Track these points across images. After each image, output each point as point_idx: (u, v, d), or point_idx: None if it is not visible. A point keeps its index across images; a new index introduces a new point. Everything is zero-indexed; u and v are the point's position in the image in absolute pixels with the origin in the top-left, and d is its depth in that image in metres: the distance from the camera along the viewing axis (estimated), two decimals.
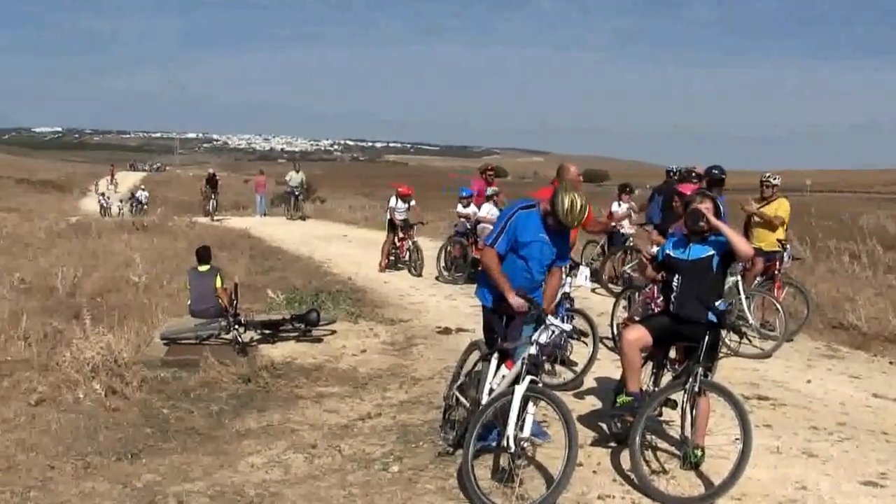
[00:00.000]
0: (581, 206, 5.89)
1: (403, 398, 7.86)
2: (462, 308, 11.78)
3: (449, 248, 15.07)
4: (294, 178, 29.13)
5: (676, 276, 5.88)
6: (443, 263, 15.04)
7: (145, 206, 40.57)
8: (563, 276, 7.31)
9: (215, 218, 29.05)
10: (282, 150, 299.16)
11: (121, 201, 45.79)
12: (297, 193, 29.16)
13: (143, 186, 47.85)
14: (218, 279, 10.56)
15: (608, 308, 10.35)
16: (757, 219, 10.48)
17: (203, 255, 11.01)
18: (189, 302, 10.72)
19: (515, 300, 5.88)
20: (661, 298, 7.39)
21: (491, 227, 13.69)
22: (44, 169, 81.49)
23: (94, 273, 15.30)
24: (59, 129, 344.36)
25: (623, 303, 9.92)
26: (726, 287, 7.88)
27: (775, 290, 10.15)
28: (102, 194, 46.36)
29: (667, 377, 6.21)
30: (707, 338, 5.65)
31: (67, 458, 6.37)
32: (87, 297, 13.10)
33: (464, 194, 14.65)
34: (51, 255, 17.81)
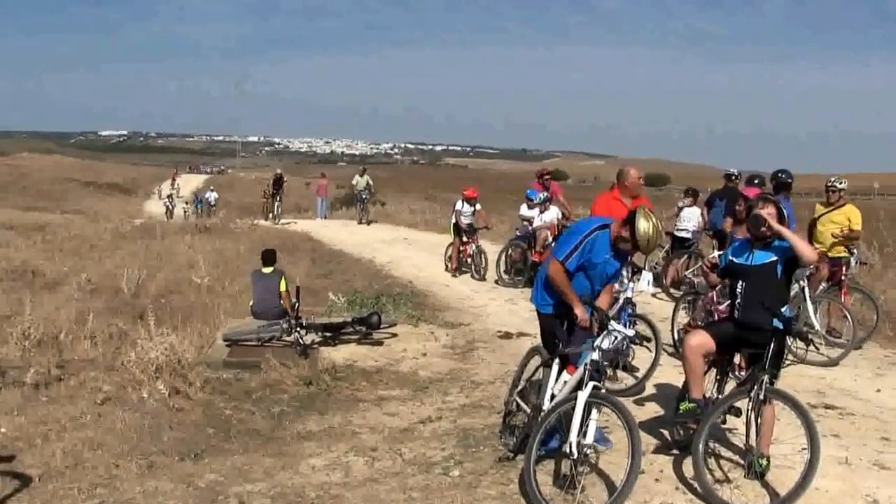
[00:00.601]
0: (659, 232, 5.88)
1: (464, 402, 7.86)
2: (522, 312, 11.74)
3: (510, 251, 15.03)
4: (360, 181, 28.86)
5: (740, 282, 5.79)
6: (503, 267, 15.01)
7: (214, 207, 40.94)
8: (626, 281, 7.25)
9: (280, 221, 29.02)
10: (342, 153, 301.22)
11: (186, 203, 46.35)
12: (363, 197, 28.83)
13: (212, 188, 47.96)
14: (282, 282, 10.65)
15: (670, 313, 10.23)
16: (825, 226, 10.19)
17: (268, 257, 11.12)
18: (252, 303, 10.82)
19: (583, 315, 5.83)
20: (724, 304, 7.29)
21: (547, 232, 13.87)
22: (109, 172, 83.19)
23: (158, 274, 15.59)
24: (125, 132, 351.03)
25: (684, 308, 9.81)
26: (791, 293, 7.73)
27: (842, 297, 9.92)
28: (170, 196, 47.00)
29: (731, 384, 6.12)
30: (772, 344, 5.55)
31: (132, 457, 6.49)
32: (151, 298, 13.35)
33: (532, 198, 14.59)
34: (116, 257, 18.17)
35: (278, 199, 30.43)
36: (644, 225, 5.76)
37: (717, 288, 7.26)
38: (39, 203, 50.50)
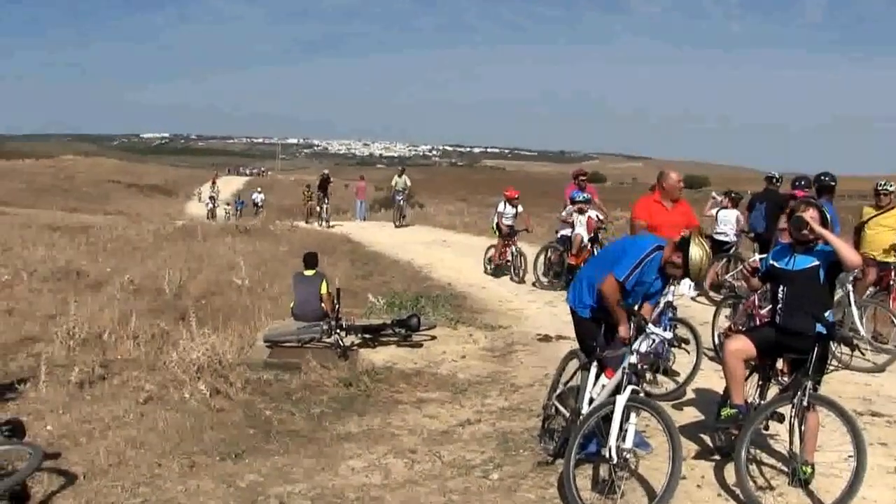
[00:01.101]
0: (710, 260, 5.87)
1: (503, 405, 7.85)
2: (561, 315, 11.65)
3: (548, 254, 15.00)
4: (398, 182, 28.58)
5: (781, 286, 5.72)
6: (541, 270, 14.98)
7: (261, 208, 41.20)
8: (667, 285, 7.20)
9: (330, 224, 28.47)
10: (380, 155, 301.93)
11: (227, 205, 46.59)
12: (399, 199, 28.40)
13: (259, 189, 47.82)
14: (324, 285, 10.71)
15: (710, 317, 10.14)
16: (874, 230, 10.03)
17: (310, 260, 11.19)
18: (292, 305, 10.89)
19: (627, 333, 5.75)
20: (765, 309, 7.21)
21: (583, 235, 13.83)
22: (151, 173, 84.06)
23: (199, 275, 15.72)
24: (167, 134, 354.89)
25: (725, 312, 9.71)
26: (836, 297, 7.62)
27: (890, 302, 9.74)
28: (212, 198, 47.29)
29: (773, 390, 6.05)
30: (816, 350, 5.48)
31: (174, 456, 6.57)
32: (192, 298, 13.48)
33: (578, 198, 14.52)
34: (158, 258, 18.34)
35: (326, 200, 29.53)
36: (697, 254, 5.72)
37: (758, 292, 7.19)
38: (83, 204, 51.15)
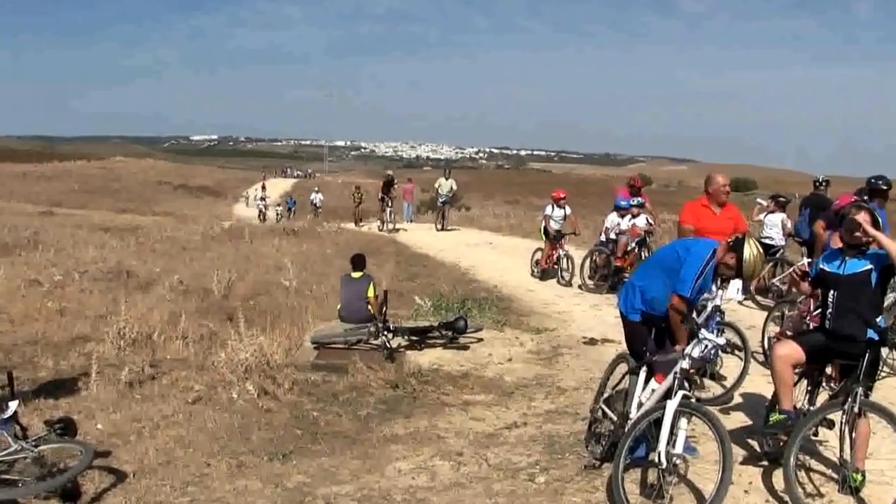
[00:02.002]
0: (763, 261, 5.86)
1: (549, 408, 7.82)
2: (607, 318, 11.62)
3: (594, 257, 14.93)
4: (444, 185, 27.35)
5: (831, 291, 5.63)
6: (587, 273, 14.92)
7: (319, 209, 40.64)
8: (715, 289, 7.12)
9: (395, 227, 27.01)
10: (427, 157, 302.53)
11: (278, 206, 46.80)
12: (444, 202, 27.19)
13: (317, 188, 47.20)
14: (370, 287, 10.74)
15: (756, 321, 10.01)
16: None
17: (357, 262, 11.22)
18: (339, 307, 10.93)
19: (684, 340, 5.70)
20: (816, 313, 7.08)
21: (628, 237, 13.77)
22: (199, 175, 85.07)
23: (247, 276, 15.85)
24: (215, 136, 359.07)
25: (775, 317, 9.58)
26: (887, 302, 7.48)
27: None
28: (262, 199, 47.52)
29: (823, 395, 5.95)
30: (867, 356, 5.39)
31: (222, 456, 6.64)
32: (240, 299, 13.58)
33: (622, 206, 14.52)
34: (206, 259, 18.53)
35: (389, 203, 27.53)
36: (751, 255, 5.69)
37: (813, 297, 7.06)
38: (132, 205, 51.92)
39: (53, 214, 36.45)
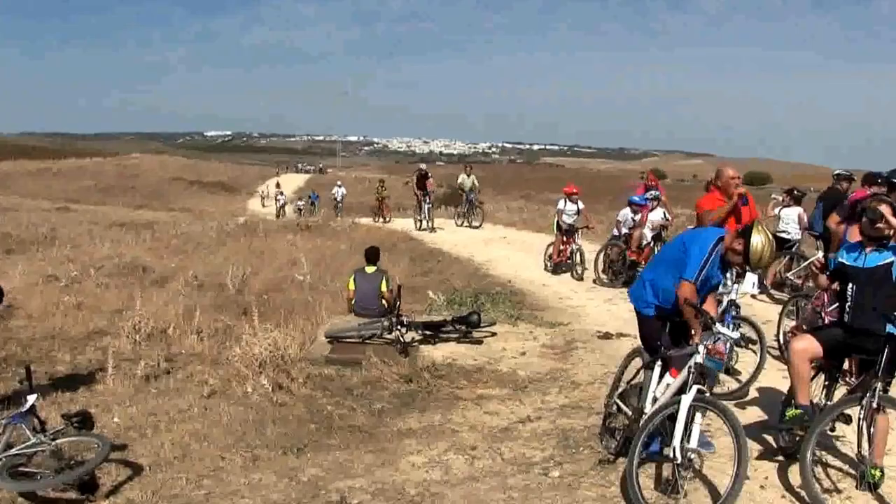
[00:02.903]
0: (773, 249, 5.74)
1: (563, 402, 7.80)
2: (621, 313, 11.59)
3: (607, 251, 14.89)
4: (466, 181, 25.49)
5: (851, 285, 5.57)
6: (601, 267, 14.88)
7: (342, 203, 39.21)
8: (730, 283, 7.09)
9: (433, 226, 24.24)
10: (440, 152, 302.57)
11: (300, 200, 46.65)
12: (470, 198, 25.39)
13: (339, 183, 44.47)
14: (384, 282, 10.76)
15: (771, 315, 9.97)
16: None
17: (371, 256, 11.24)
18: (353, 301, 10.95)
19: (698, 330, 5.65)
20: (833, 308, 7.03)
21: (642, 231, 13.75)
22: (214, 171, 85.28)
23: (261, 272, 15.91)
24: (229, 132, 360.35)
25: (790, 311, 9.53)
26: None
27: None
28: (282, 194, 47.50)
29: (840, 390, 5.91)
30: (886, 351, 5.32)
31: (237, 450, 6.67)
32: (254, 294, 13.64)
33: (636, 203, 14.49)
34: (220, 254, 18.61)
35: (427, 199, 24.83)
36: (759, 241, 5.64)
37: (828, 291, 7.01)
38: (147, 201, 52.25)
39: (70, 211, 36.72)
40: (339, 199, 39.71)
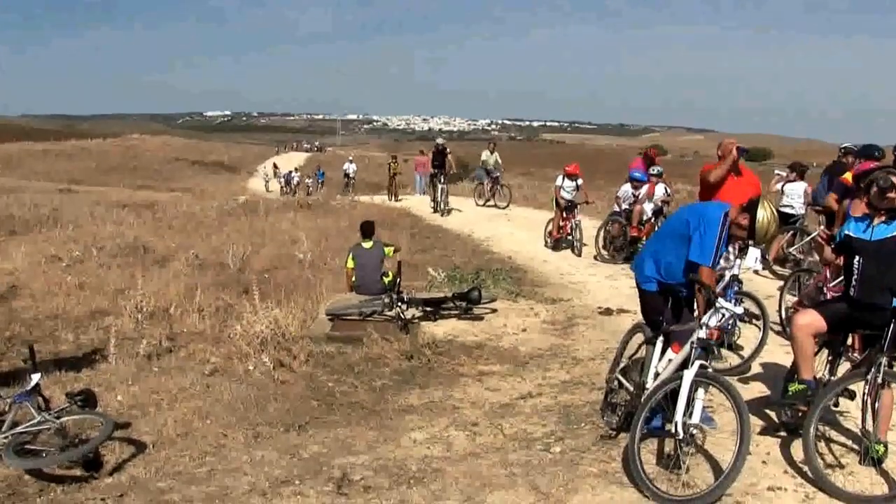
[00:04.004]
0: (777, 224, 5.74)
1: (565, 378, 7.81)
2: (623, 288, 11.59)
3: (608, 227, 14.87)
4: (490, 158, 24.07)
5: (857, 258, 5.50)
6: (601, 243, 14.87)
7: (353, 180, 37.94)
8: (733, 258, 7.08)
9: (449, 208, 22.64)
10: (440, 130, 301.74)
11: (308, 178, 46.48)
12: (495, 176, 23.99)
13: (351, 158, 43.56)
14: (386, 249, 10.81)
15: (773, 290, 9.96)
16: None
17: (366, 229, 11.23)
18: (354, 278, 10.95)
19: (709, 276, 5.64)
20: (836, 283, 7.00)
21: (643, 207, 13.73)
22: (214, 151, 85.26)
23: (262, 250, 15.92)
24: (228, 112, 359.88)
25: (792, 285, 9.52)
26: None
27: None
28: (291, 171, 47.44)
29: (844, 366, 5.89)
30: (892, 325, 5.24)
31: (239, 427, 6.70)
32: (255, 273, 13.64)
33: (639, 176, 14.47)
34: (222, 233, 18.61)
35: (442, 179, 22.70)
36: (764, 216, 5.62)
37: (830, 266, 6.97)
38: (149, 182, 52.31)
39: (72, 192, 36.74)
40: (350, 175, 38.47)
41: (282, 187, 46.34)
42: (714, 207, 6.00)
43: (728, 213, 5.79)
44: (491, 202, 23.86)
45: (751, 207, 5.66)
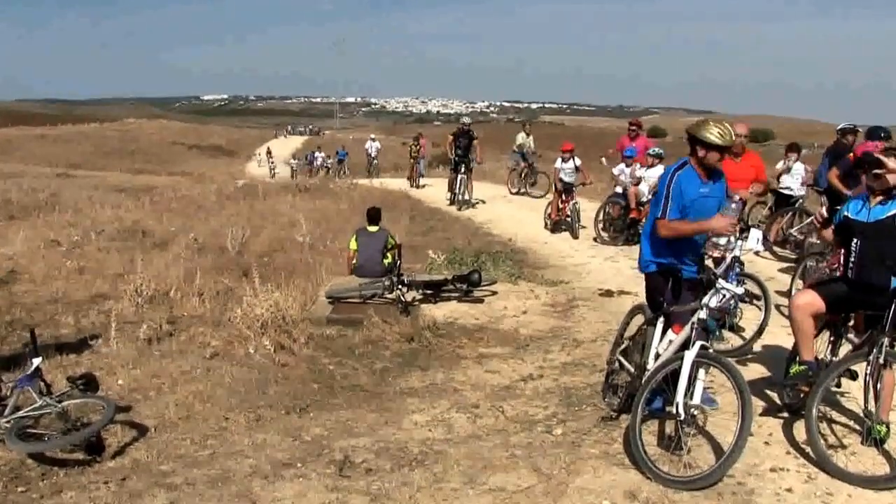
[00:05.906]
0: (726, 124, 5.69)
1: (565, 360, 7.82)
2: (623, 270, 11.59)
3: (607, 209, 14.85)
4: (526, 141, 22.11)
5: (855, 239, 5.51)
6: (601, 225, 14.85)
7: (376, 160, 35.66)
8: (734, 240, 7.05)
9: (470, 200, 19.86)
10: (438, 112, 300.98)
11: (328, 158, 46.15)
12: (529, 161, 22.08)
13: (373, 136, 39.81)
14: (389, 239, 10.80)
15: (774, 272, 9.93)
16: None
17: (373, 215, 11.21)
18: (355, 260, 10.94)
19: (720, 221, 5.64)
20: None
21: (638, 188, 13.70)
22: (212, 135, 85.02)
23: (262, 233, 15.87)
24: (226, 96, 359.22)
25: (803, 269, 9.43)
26: None
27: None
28: (310, 154, 47.28)
29: (846, 346, 5.89)
30: (894, 306, 5.25)
31: (241, 410, 6.70)
32: (255, 256, 13.61)
33: (630, 156, 14.50)
34: (221, 217, 18.54)
35: (463, 167, 19.53)
36: (711, 129, 5.63)
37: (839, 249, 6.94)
38: (147, 166, 52.10)
39: (71, 176, 36.63)
40: (373, 155, 35.63)
41: (299, 170, 45.40)
42: (669, 168, 5.98)
43: (680, 165, 5.81)
44: (524, 190, 22.11)
45: (694, 139, 5.73)
